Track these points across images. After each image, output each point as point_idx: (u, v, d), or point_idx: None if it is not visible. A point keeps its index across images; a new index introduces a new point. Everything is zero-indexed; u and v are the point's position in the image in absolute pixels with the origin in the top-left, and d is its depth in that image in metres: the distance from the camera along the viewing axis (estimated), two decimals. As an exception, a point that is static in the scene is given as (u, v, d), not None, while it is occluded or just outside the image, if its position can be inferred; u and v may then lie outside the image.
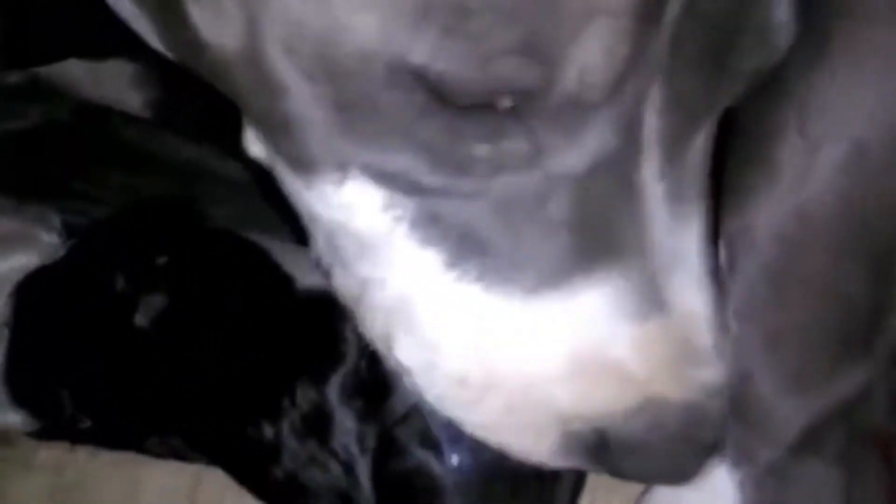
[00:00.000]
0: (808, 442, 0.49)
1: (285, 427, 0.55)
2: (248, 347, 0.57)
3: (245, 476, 0.58)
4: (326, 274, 0.46)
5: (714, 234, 0.48)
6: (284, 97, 0.38)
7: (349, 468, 0.54)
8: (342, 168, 0.40)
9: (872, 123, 0.44)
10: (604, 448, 0.42)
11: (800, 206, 0.46)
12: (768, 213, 0.46)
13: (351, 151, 0.39)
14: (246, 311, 0.58)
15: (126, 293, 0.58)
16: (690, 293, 0.42)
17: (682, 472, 0.44)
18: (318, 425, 0.55)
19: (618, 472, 0.45)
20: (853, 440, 0.50)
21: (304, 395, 0.55)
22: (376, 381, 0.53)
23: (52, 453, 0.63)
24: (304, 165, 0.41)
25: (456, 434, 0.51)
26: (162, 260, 0.59)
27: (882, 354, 0.49)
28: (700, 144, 0.41)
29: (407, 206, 0.40)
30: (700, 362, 0.42)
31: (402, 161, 0.38)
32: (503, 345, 0.42)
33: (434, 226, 0.40)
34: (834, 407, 0.49)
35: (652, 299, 0.41)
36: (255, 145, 0.45)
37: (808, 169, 0.45)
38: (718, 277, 0.45)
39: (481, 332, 0.42)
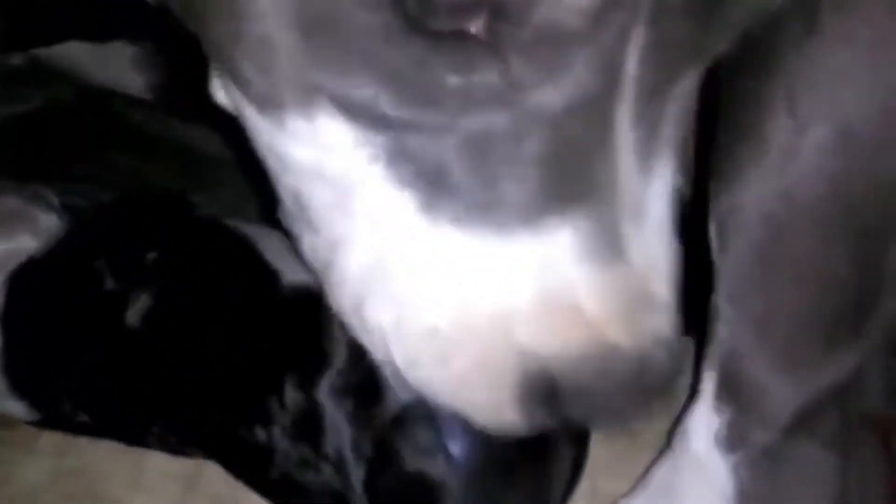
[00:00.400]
0: (802, 424, 0.50)
1: (276, 430, 0.55)
2: (235, 347, 0.57)
3: (241, 474, 0.59)
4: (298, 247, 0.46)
5: (704, 211, 0.49)
6: (250, 19, 0.38)
7: (341, 470, 0.55)
8: (309, 99, 0.39)
9: (861, 105, 0.45)
10: (555, 395, 0.43)
11: (786, 186, 0.46)
12: (756, 193, 0.47)
13: (316, 79, 0.39)
14: (232, 310, 0.58)
15: (115, 291, 0.59)
16: (650, 244, 0.42)
17: (625, 416, 0.45)
18: (308, 429, 0.55)
19: (565, 419, 0.45)
20: (848, 424, 0.51)
21: (293, 398, 0.55)
22: (367, 380, 0.53)
23: (53, 438, 0.64)
24: (272, 100, 0.40)
25: (450, 427, 0.52)
26: (151, 256, 0.59)
27: (874, 337, 0.49)
28: (681, 94, 0.41)
29: (379, 143, 0.40)
30: (653, 311, 0.43)
31: (368, 91, 0.38)
32: (473, 286, 0.42)
33: (407, 164, 0.40)
34: (827, 389, 0.50)
35: (613, 246, 0.41)
36: (221, 92, 0.45)
37: (794, 149, 0.46)
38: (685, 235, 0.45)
39: (452, 277, 0.42)
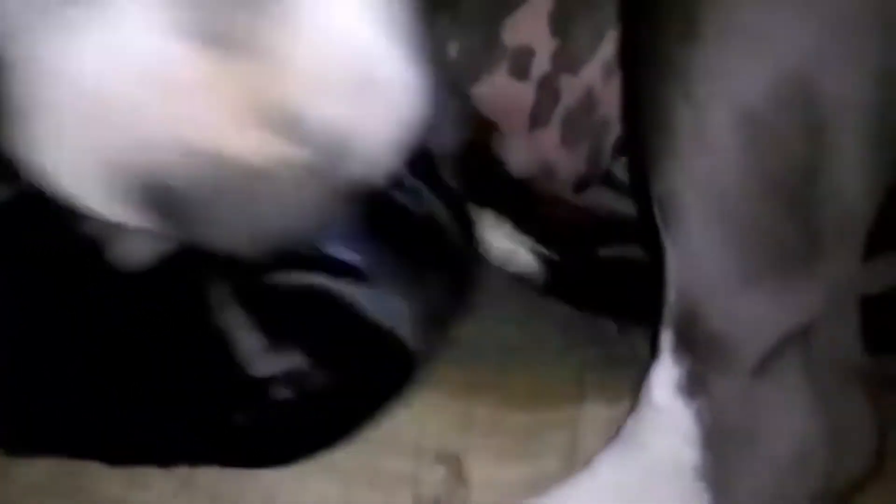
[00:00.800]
0: (764, 369, 0.53)
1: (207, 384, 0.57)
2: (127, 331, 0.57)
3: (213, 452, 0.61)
4: None
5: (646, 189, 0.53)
6: None
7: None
8: None
9: (754, 88, 0.48)
10: (167, 202, 0.40)
11: (705, 170, 0.50)
12: (681, 177, 0.50)
13: None
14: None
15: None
16: (288, 45, 0.38)
17: (244, 244, 0.43)
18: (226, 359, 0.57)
19: (186, 233, 0.42)
20: (818, 370, 0.54)
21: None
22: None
23: (51, 437, 0.65)
24: None
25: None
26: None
27: (832, 280, 0.53)
28: None
29: None
30: (282, 129, 0.39)
31: None
32: (73, 69, 0.38)
33: None
34: (786, 334, 0.53)
35: (228, 38, 0.37)
36: None
37: (699, 134, 0.49)
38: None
39: (55, 63, 0.38)
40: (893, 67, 0.48)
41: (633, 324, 0.69)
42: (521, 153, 0.83)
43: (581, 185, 0.84)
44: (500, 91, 0.81)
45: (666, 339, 0.55)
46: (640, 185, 0.55)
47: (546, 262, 0.75)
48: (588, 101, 0.81)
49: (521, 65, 0.80)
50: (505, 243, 0.75)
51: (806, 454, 0.54)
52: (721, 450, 0.55)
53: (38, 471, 0.64)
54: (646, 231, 0.55)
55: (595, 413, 0.64)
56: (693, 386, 0.55)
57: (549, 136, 0.82)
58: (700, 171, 0.50)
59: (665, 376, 0.56)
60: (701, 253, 0.52)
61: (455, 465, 0.65)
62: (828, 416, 0.55)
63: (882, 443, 0.57)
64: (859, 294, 0.56)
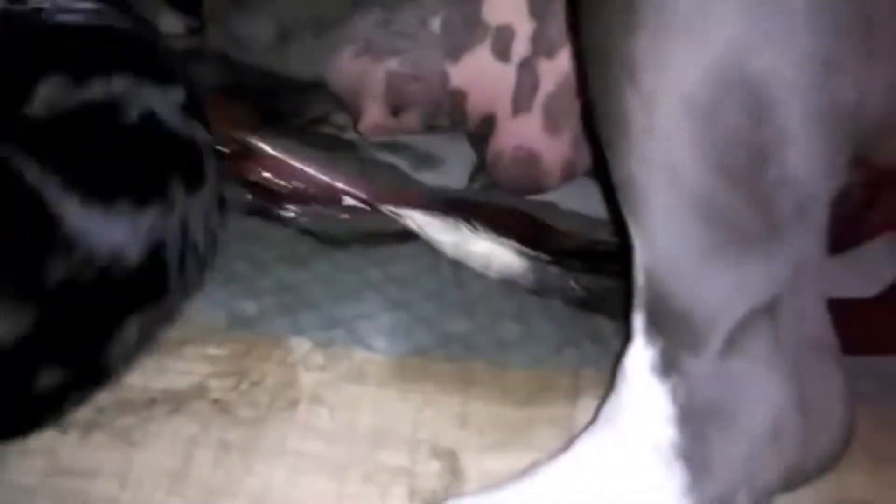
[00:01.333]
0: (733, 345, 0.55)
1: None
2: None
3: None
4: None
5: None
6: None
7: None
8: None
9: (695, 74, 0.50)
10: None
11: (660, 153, 0.52)
12: (637, 163, 0.53)
13: None
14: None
15: None
16: None
17: None
18: None
19: None
20: (786, 344, 0.56)
21: None
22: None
23: (45, 437, 0.65)
24: None
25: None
26: None
27: (795, 257, 0.54)
28: None
29: None
30: None
31: None
32: None
33: None
34: (751, 308, 0.54)
35: None
36: None
37: (648, 122, 0.51)
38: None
39: None
40: (829, 50, 0.50)
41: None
42: (507, 139, 0.83)
43: (568, 172, 0.85)
44: (484, 71, 0.81)
45: (637, 321, 0.57)
46: (604, 174, 0.56)
47: (534, 261, 0.75)
48: (567, 88, 0.82)
49: (502, 45, 0.80)
50: (482, 245, 0.76)
51: (779, 426, 0.56)
52: (697, 427, 0.56)
53: (30, 472, 0.65)
54: (614, 219, 0.56)
55: (590, 408, 0.65)
56: (666, 366, 0.56)
57: (532, 122, 0.83)
58: (654, 157, 0.52)
59: (638, 358, 0.57)
60: (663, 235, 0.54)
61: (450, 460, 0.66)
62: (799, 388, 0.56)
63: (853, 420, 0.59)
64: (824, 268, 0.57)
